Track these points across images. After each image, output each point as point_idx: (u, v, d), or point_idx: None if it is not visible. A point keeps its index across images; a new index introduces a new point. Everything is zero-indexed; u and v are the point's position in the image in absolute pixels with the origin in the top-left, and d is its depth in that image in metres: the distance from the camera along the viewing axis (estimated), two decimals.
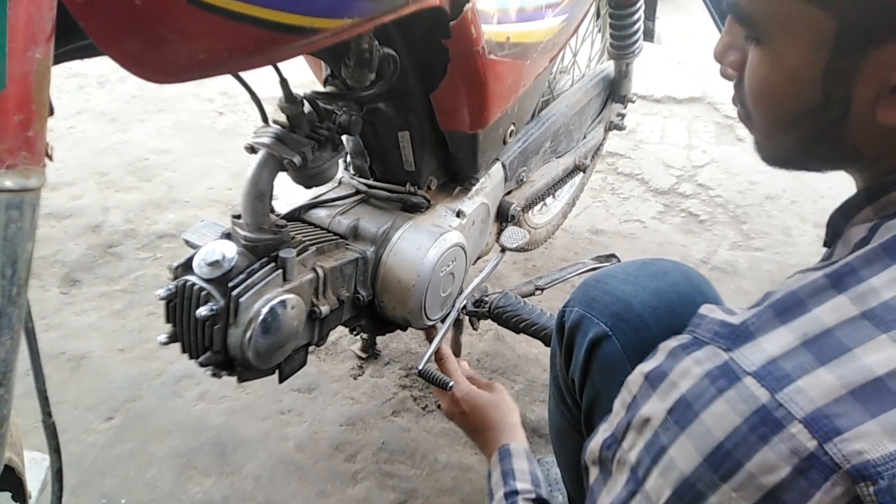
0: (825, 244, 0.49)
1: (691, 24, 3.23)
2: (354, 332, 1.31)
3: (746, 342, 0.37)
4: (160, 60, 0.50)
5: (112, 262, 1.70)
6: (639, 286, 0.67)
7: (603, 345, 0.66)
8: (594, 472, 0.47)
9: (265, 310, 0.76)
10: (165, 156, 2.22)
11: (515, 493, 0.72)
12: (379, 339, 1.46)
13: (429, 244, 0.92)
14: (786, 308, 0.38)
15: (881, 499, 0.32)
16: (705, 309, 0.42)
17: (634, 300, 0.66)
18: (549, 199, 1.71)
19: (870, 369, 0.34)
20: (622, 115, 1.61)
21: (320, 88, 0.89)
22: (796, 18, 0.41)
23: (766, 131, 0.48)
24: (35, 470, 0.98)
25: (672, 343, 0.42)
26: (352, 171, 1.06)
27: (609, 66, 1.52)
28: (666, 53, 2.89)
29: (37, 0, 0.38)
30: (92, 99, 2.52)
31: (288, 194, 0.99)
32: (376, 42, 0.75)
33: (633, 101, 1.59)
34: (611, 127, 1.58)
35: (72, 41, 0.52)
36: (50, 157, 0.43)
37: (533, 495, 0.71)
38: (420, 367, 0.95)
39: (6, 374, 0.44)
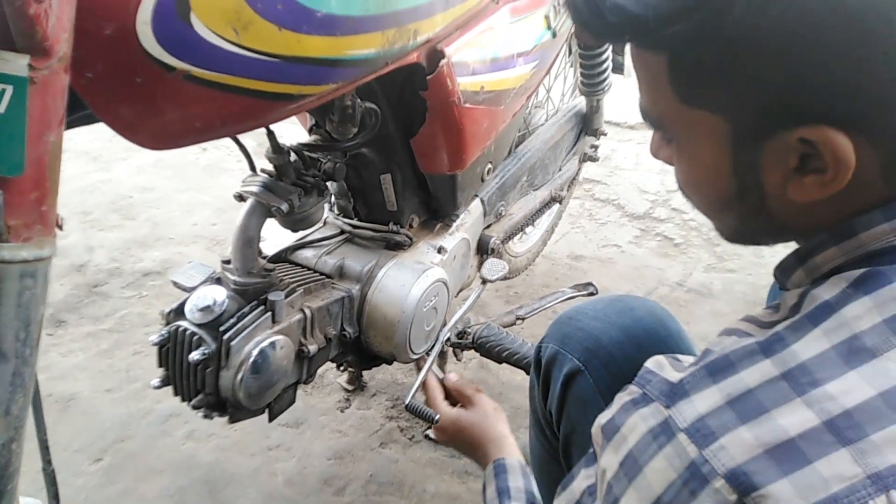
0: (780, 288, 0.53)
1: None
2: (342, 368, 1.34)
3: (682, 399, 0.41)
4: (159, 130, 0.54)
5: (97, 302, 1.71)
6: (608, 323, 0.72)
7: (577, 379, 0.70)
8: None
9: (255, 352, 0.79)
10: (149, 193, 2.24)
11: None
12: (365, 371, 1.49)
13: (412, 281, 0.96)
14: (718, 369, 0.41)
15: None
16: (655, 365, 0.45)
17: (604, 336, 0.70)
18: (528, 228, 1.77)
19: (784, 430, 0.36)
20: (595, 147, 1.68)
21: (305, 136, 0.93)
22: (694, 122, 0.44)
23: (707, 214, 0.52)
24: None
25: (625, 397, 0.46)
26: (336, 212, 1.10)
27: (581, 101, 1.59)
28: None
29: (52, 90, 0.42)
30: (73, 138, 2.53)
31: (274, 235, 1.02)
32: (358, 99, 0.80)
33: (605, 135, 1.66)
34: (585, 158, 1.65)
35: (75, 112, 0.55)
36: (60, 227, 0.46)
37: None
38: (407, 402, 0.98)
39: (18, 429, 0.47)
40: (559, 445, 0.75)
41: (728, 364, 0.41)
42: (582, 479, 0.50)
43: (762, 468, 0.36)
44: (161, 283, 1.79)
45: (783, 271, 0.49)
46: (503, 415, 0.91)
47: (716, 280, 1.88)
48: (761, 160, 0.43)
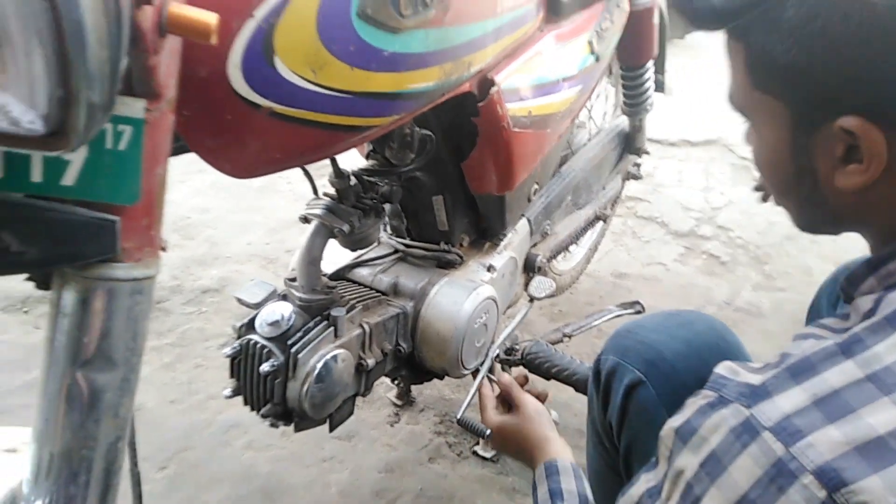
0: (845, 300, 0.54)
1: (697, 65, 3.33)
2: (396, 382, 1.38)
3: (763, 399, 0.42)
4: (244, 161, 0.60)
5: (160, 318, 1.81)
6: (668, 335, 0.74)
7: (638, 390, 0.72)
8: None
9: (320, 364, 0.84)
10: (206, 214, 2.35)
11: None
12: (413, 386, 1.53)
13: (463, 298, 1.00)
14: (800, 371, 0.43)
15: None
16: (727, 370, 0.47)
17: (665, 349, 0.72)
18: (572, 246, 1.79)
19: (872, 428, 0.38)
20: (638, 165, 1.70)
21: (362, 162, 0.99)
22: (763, 106, 0.51)
23: (774, 197, 0.57)
24: None
25: (700, 401, 0.47)
26: (390, 232, 1.15)
27: (623, 120, 1.61)
28: (678, 97, 2.99)
29: (161, 129, 0.48)
30: None
31: (332, 255, 1.08)
32: (416, 127, 0.85)
33: (648, 153, 1.68)
34: (628, 177, 1.67)
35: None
36: (164, 249, 0.52)
37: None
38: (458, 416, 1.01)
39: (124, 430, 0.52)
40: (619, 456, 0.77)
41: (809, 366, 0.43)
42: (642, 484, 0.52)
43: (852, 465, 0.38)
44: (219, 299, 1.87)
45: (852, 282, 0.51)
46: (547, 416, 0.91)
47: (764, 299, 1.86)
48: (815, 147, 0.49)
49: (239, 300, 1.16)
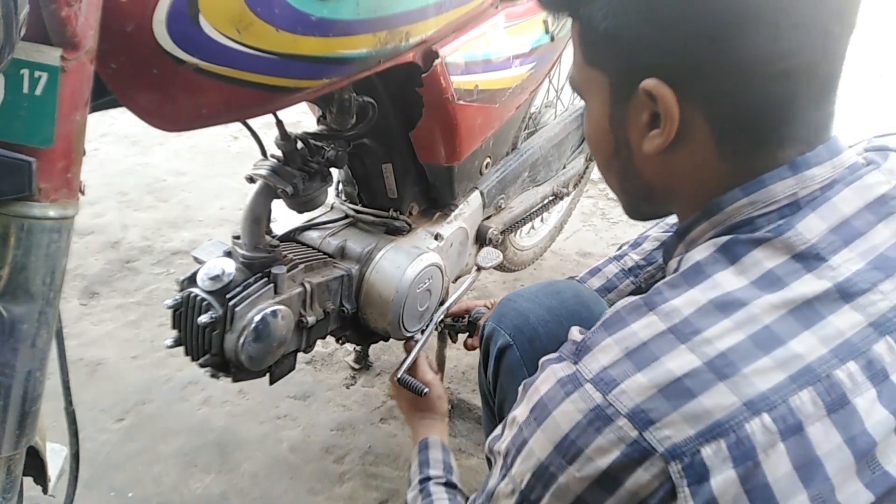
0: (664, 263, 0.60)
1: None
2: (340, 342, 1.43)
3: (586, 354, 0.47)
4: (171, 115, 0.63)
5: (129, 277, 1.84)
6: (536, 304, 0.81)
7: (507, 353, 0.79)
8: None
9: (257, 318, 0.87)
10: (182, 177, 2.37)
11: (428, 479, 0.85)
12: (371, 351, 1.57)
13: (406, 263, 1.04)
14: (612, 323, 0.48)
15: (686, 472, 0.41)
16: (572, 334, 0.52)
17: (532, 315, 0.79)
18: (537, 223, 1.83)
19: (671, 372, 0.43)
20: None
21: (314, 125, 1.02)
22: (591, 81, 0.53)
23: (604, 177, 0.60)
24: (54, 459, 1.09)
25: (544, 361, 0.52)
26: (342, 198, 1.18)
27: None
28: None
29: (79, 77, 0.50)
30: (115, 123, 2.69)
31: (285, 217, 1.11)
32: (354, 94, 0.88)
33: None
34: (592, 157, 1.70)
35: (101, 97, 0.65)
36: (82, 192, 0.55)
37: (443, 480, 0.84)
38: (399, 375, 1.06)
39: (42, 360, 0.56)
40: (495, 412, 0.83)
41: (619, 318, 0.47)
42: (497, 430, 0.57)
43: (657, 405, 0.42)
44: (188, 261, 1.90)
45: (667, 250, 0.56)
46: (443, 403, 1.04)
47: None
48: (628, 117, 0.51)
49: (195, 258, 1.20)
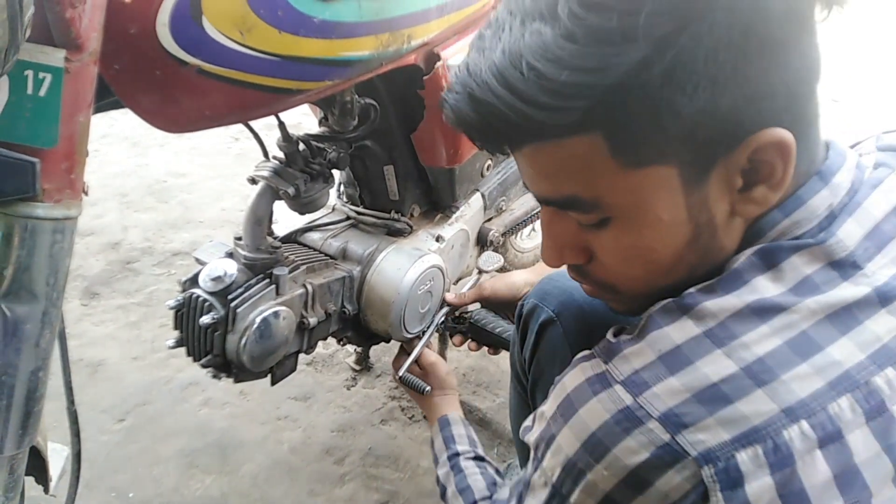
0: None
1: None
2: (342, 343, 1.43)
3: (617, 355, 0.47)
4: (174, 116, 0.63)
5: (129, 277, 1.84)
6: None
7: (550, 328, 0.78)
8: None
9: (259, 319, 0.87)
10: (182, 179, 2.38)
11: (457, 454, 0.86)
12: (372, 353, 1.57)
13: (408, 265, 1.04)
14: (644, 326, 0.47)
15: (719, 477, 0.41)
16: (609, 332, 0.51)
17: (577, 292, 0.76)
18: (537, 225, 1.83)
19: (707, 377, 0.43)
20: None
21: (315, 127, 1.02)
22: (644, 183, 0.44)
23: (644, 287, 0.51)
24: (55, 459, 1.09)
25: (578, 356, 0.52)
26: (344, 199, 1.18)
27: None
28: None
29: (83, 79, 0.51)
30: (116, 124, 2.69)
31: (288, 219, 1.11)
32: (356, 96, 0.88)
33: None
34: None
35: (104, 98, 0.65)
36: (86, 193, 0.55)
37: (472, 454, 0.86)
38: (401, 374, 1.06)
39: (45, 360, 0.56)
40: (527, 391, 0.83)
41: (652, 321, 0.47)
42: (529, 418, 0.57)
43: (691, 409, 0.42)
44: (189, 262, 1.90)
45: None
46: (452, 379, 1.08)
47: None
48: (710, 194, 0.45)
49: (197, 259, 1.20)
